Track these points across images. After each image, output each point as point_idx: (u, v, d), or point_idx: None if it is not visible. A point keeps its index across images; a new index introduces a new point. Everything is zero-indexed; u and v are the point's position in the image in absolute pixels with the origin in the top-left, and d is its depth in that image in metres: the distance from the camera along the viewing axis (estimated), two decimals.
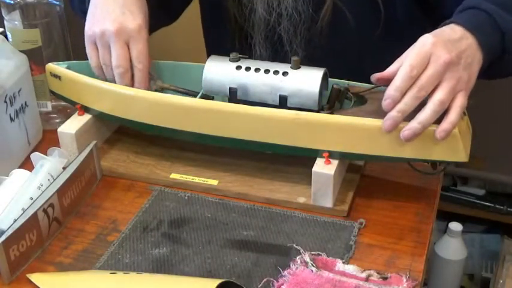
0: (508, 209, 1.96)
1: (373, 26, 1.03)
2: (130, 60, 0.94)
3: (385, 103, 0.80)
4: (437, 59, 0.79)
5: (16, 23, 1.03)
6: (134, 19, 0.94)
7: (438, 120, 0.80)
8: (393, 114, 0.80)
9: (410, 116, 0.80)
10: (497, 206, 1.97)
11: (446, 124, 0.79)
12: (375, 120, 0.83)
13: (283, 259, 0.80)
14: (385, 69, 0.84)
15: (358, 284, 0.75)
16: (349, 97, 0.92)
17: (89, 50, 0.97)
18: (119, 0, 0.95)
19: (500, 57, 0.87)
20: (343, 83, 0.93)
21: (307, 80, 0.89)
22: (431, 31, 0.83)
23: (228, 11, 1.07)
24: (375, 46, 0.94)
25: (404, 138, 0.80)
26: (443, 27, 0.84)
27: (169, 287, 0.74)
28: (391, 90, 0.79)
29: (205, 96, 0.96)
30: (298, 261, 0.79)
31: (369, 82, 0.87)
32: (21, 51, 1.01)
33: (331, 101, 0.92)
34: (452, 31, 0.82)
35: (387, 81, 0.83)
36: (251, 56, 1.04)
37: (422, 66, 0.79)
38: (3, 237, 0.76)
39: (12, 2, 1.03)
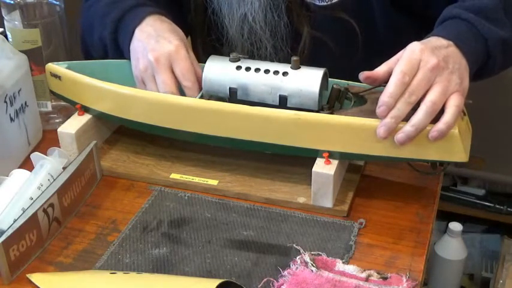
0: (508, 209, 1.96)
1: (354, 47, 1.05)
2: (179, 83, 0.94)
3: (380, 110, 0.81)
4: (425, 64, 0.81)
5: (16, 23, 1.03)
6: (170, 42, 0.95)
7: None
8: (387, 120, 0.81)
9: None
10: (497, 206, 1.98)
11: (440, 124, 0.80)
12: (375, 120, 0.83)
13: (283, 259, 0.80)
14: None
15: (358, 284, 0.75)
16: (349, 97, 0.92)
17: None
18: (152, 34, 0.96)
19: (485, 62, 0.89)
20: (343, 83, 0.93)
21: (307, 80, 0.89)
22: (411, 39, 0.85)
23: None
24: (357, 64, 0.97)
25: (398, 141, 0.81)
26: (429, 38, 0.86)
27: (169, 287, 0.74)
28: (385, 97, 0.81)
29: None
30: (298, 261, 0.79)
31: None
32: (21, 51, 1.01)
33: (331, 101, 0.92)
34: (437, 40, 0.85)
35: (374, 81, 0.85)
36: None
37: (413, 72, 0.81)
38: (3, 237, 0.76)
39: (12, 2, 1.03)
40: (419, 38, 0.86)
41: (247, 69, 0.92)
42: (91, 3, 1.08)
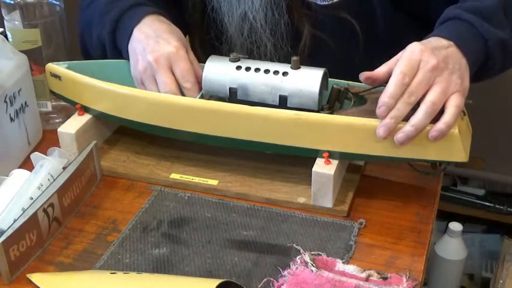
0: (508, 209, 1.96)
1: (354, 47, 1.05)
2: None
3: (380, 110, 0.81)
4: (425, 65, 0.81)
5: (16, 23, 1.03)
6: (169, 43, 0.95)
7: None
8: (387, 121, 0.81)
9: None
10: (497, 206, 1.98)
11: (440, 124, 0.80)
12: (375, 120, 0.83)
13: (283, 259, 0.80)
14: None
15: (358, 284, 0.75)
16: (349, 97, 0.92)
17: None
18: (152, 35, 0.96)
19: (484, 63, 0.89)
20: (343, 83, 0.93)
21: (307, 80, 0.89)
22: (412, 39, 0.85)
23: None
24: (357, 64, 0.97)
25: (398, 141, 0.81)
26: (429, 38, 0.86)
27: (169, 287, 0.74)
28: (385, 98, 0.81)
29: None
30: (298, 261, 0.79)
31: None
32: (21, 51, 1.01)
33: (331, 101, 0.92)
34: (438, 40, 0.85)
35: (374, 82, 0.86)
36: None
37: (413, 73, 0.81)
38: (3, 237, 0.76)
39: (12, 2, 1.03)
40: (419, 38, 0.86)
41: (247, 69, 0.92)
42: (89, 1, 1.08)
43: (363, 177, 0.95)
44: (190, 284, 0.74)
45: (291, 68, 0.91)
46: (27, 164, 0.97)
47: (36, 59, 1.05)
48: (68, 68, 1.00)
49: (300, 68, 0.90)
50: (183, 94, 0.94)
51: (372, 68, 0.86)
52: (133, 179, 0.96)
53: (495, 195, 2.03)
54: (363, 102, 0.90)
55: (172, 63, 0.94)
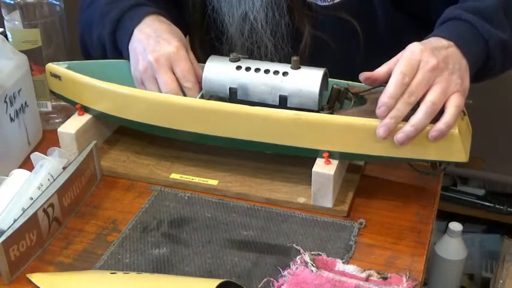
0: (508, 209, 1.96)
1: (355, 47, 1.05)
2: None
3: (380, 110, 0.81)
4: (425, 65, 0.81)
5: (16, 23, 1.03)
6: (169, 43, 0.95)
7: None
8: (386, 121, 0.81)
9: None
10: (497, 206, 1.98)
11: (440, 124, 0.80)
12: (375, 120, 0.83)
13: (283, 259, 0.80)
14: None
15: (358, 284, 0.75)
16: (349, 97, 0.92)
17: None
18: (152, 35, 0.96)
19: (484, 63, 0.90)
20: (343, 83, 0.93)
21: (307, 80, 0.89)
22: (412, 39, 0.85)
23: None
24: (357, 64, 0.97)
25: (398, 141, 0.81)
26: (429, 38, 0.87)
27: (169, 287, 0.74)
28: (385, 98, 0.81)
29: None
30: (298, 261, 0.79)
31: None
32: (21, 51, 1.01)
33: (331, 101, 0.92)
34: (438, 40, 0.85)
35: (374, 82, 0.86)
36: None
37: (412, 73, 0.81)
38: (3, 237, 0.76)
39: (12, 2, 1.03)
40: (419, 38, 0.86)
41: (247, 69, 0.92)
42: (89, 2, 1.08)
43: (363, 177, 0.95)
44: (190, 284, 0.74)
45: (291, 68, 0.91)
46: (27, 164, 0.97)
47: (36, 59, 1.05)
48: (68, 68, 1.00)
49: (300, 68, 0.90)
50: (184, 94, 0.94)
51: (372, 68, 0.86)
52: (133, 179, 0.96)
53: (495, 195, 2.03)
54: (363, 102, 0.90)
55: (172, 63, 0.94)
